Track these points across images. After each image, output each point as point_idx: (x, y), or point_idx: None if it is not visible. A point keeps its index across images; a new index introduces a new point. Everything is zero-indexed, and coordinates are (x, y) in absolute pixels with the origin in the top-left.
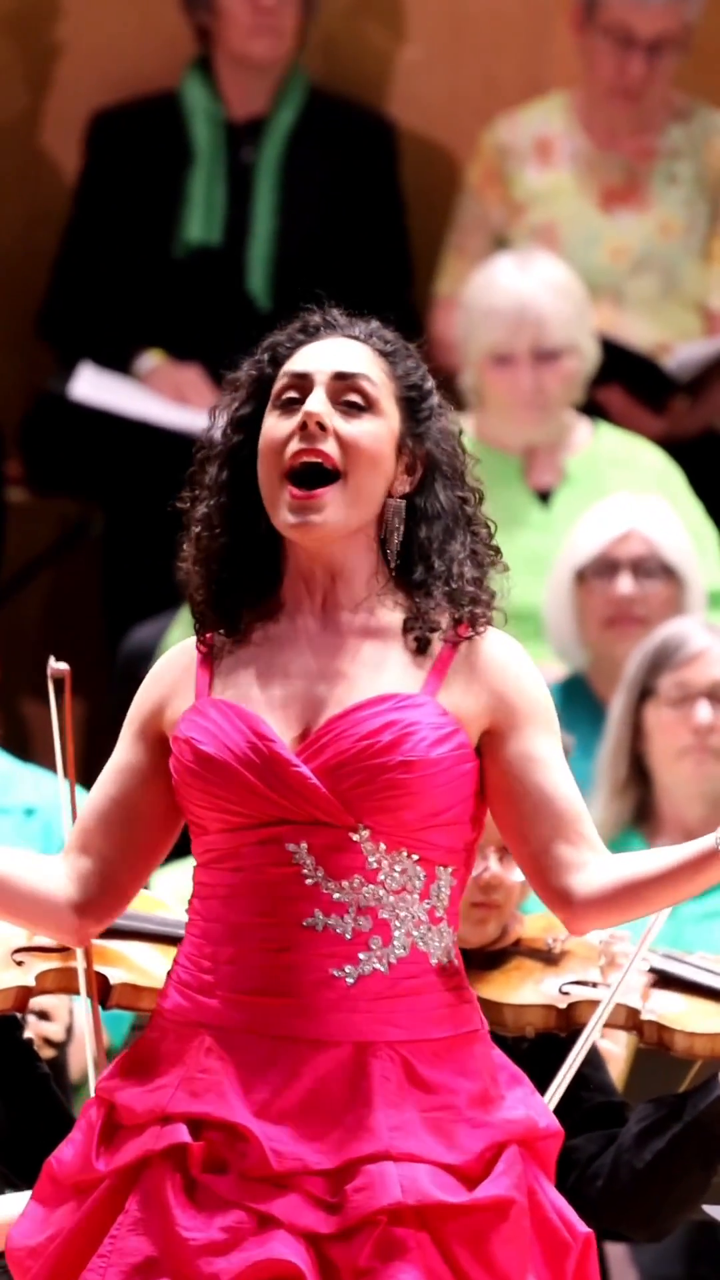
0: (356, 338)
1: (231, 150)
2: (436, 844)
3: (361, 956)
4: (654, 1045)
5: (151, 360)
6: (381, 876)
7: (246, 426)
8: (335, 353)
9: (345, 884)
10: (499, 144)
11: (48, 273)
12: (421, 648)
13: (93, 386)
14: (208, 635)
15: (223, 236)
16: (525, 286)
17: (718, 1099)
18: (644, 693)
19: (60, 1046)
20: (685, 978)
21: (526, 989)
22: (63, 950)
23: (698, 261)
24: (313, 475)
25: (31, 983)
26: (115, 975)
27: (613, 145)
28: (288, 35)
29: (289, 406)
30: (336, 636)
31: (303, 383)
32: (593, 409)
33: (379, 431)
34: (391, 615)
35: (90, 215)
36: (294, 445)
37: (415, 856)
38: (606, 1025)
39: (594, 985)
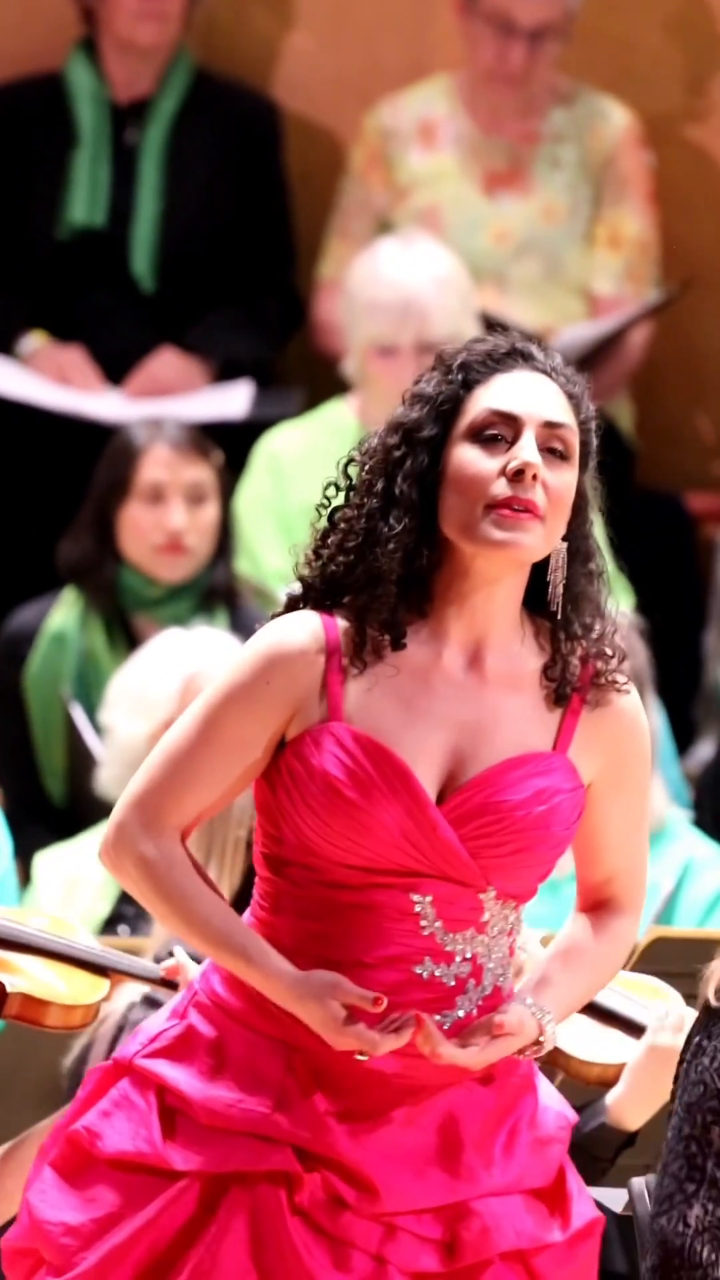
0: (549, 374)
1: (116, 132)
2: (537, 889)
3: (459, 1000)
4: (546, 1065)
5: (34, 342)
6: (489, 927)
7: (431, 449)
8: (541, 396)
9: (459, 936)
10: (382, 127)
11: None
12: (559, 700)
13: None
14: (339, 627)
15: (107, 218)
16: (409, 279)
17: (601, 1125)
18: None
19: None
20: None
21: None
22: None
23: (580, 245)
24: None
25: None
26: (14, 983)
27: (496, 129)
28: (173, 20)
29: (492, 442)
30: (480, 682)
31: (512, 424)
32: None
33: (573, 481)
34: (531, 660)
35: None
36: (502, 487)
37: (514, 903)
38: None
39: None
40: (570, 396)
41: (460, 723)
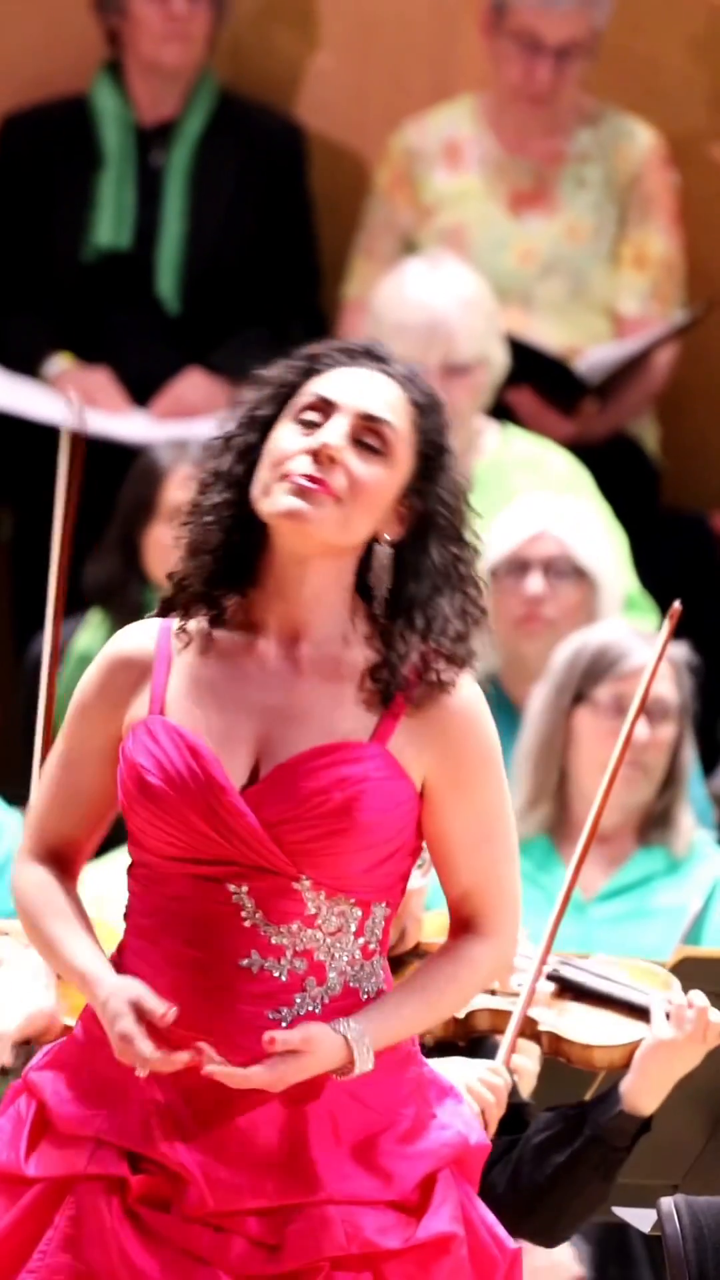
0: (393, 377)
1: (141, 154)
2: (375, 886)
3: (297, 999)
4: (553, 1055)
5: (60, 364)
6: (319, 921)
7: (263, 427)
8: (367, 389)
9: (284, 928)
10: (408, 147)
11: None
12: (383, 699)
13: (0, 390)
14: (172, 627)
15: (132, 240)
16: (435, 301)
17: (619, 1113)
18: (575, 697)
19: None
20: (586, 986)
21: None
22: None
23: (606, 265)
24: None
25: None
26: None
27: (521, 149)
28: (198, 41)
29: (308, 426)
30: (294, 670)
31: (327, 409)
32: (502, 410)
33: (386, 479)
34: (355, 655)
35: None
36: (302, 464)
37: (353, 900)
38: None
39: (492, 993)
40: (415, 404)
41: (270, 710)
